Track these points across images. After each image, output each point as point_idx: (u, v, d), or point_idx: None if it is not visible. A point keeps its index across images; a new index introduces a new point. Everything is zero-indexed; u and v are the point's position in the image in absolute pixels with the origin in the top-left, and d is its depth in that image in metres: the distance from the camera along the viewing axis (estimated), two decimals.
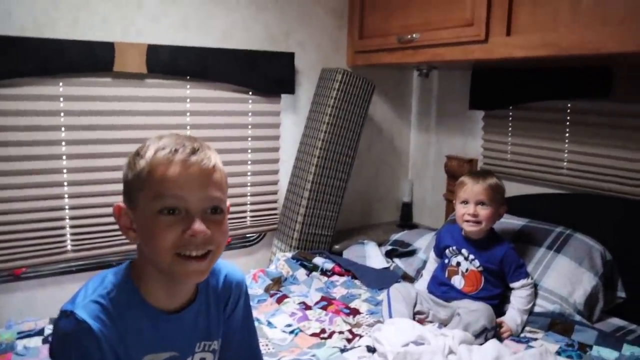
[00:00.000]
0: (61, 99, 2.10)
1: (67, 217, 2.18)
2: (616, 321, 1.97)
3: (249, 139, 2.58)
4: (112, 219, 2.25)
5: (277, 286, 2.19)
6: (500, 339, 1.77)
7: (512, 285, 1.96)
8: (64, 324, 0.97)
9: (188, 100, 2.39)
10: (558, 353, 1.70)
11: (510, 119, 2.56)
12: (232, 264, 1.23)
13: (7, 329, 1.76)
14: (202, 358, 1.13)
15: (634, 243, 2.05)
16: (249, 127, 2.57)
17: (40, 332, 1.75)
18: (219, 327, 1.16)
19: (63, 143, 2.14)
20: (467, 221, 1.94)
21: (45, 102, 2.07)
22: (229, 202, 1.10)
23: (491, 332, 1.79)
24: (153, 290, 1.04)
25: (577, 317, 1.90)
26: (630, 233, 2.07)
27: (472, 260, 1.97)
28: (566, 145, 2.33)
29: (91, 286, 1.02)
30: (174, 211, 0.97)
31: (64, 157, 2.14)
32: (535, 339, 1.80)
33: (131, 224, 1.01)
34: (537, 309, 1.95)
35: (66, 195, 2.17)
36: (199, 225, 0.97)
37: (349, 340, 1.76)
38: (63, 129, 2.13)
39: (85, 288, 1.02)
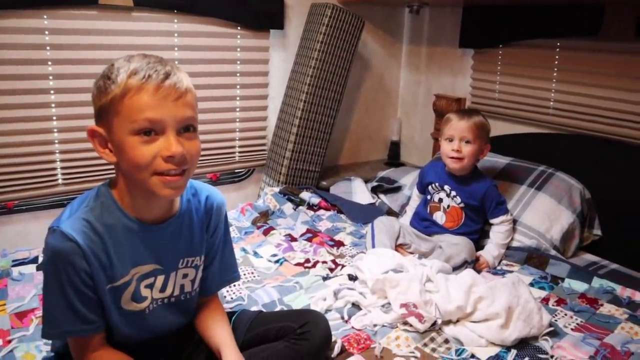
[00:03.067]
0: (46, 32, 2.07)
1: (57, 151, 2.20)
2: (590, 257, 2.05)
3: (238, 74, 2.57)
4: None
5: (264, 219, 2.25)
6: (478, 272, 1.84)
7: (491, 221, 2.02)
8: (51, 240, 1.02)
9: (176, 34, 2.36)
10: (531, 284, 1.78)
11: (500, 57, 2.56)
12: (212, 187, 1.29)
13: (2, 257, 1.81)
14: (185, 274, 1.19)
15: (614, 183, 2.10)
16: (238, 62, 2.55)
17: (34, 260, 1.80)
18: (202, 244, 1.22)
19: (50, 77, 2.12)
20: (451, 157, 1.97)
21: (30, 35, 2.04)
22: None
23: (470, 265, 1.86)
24: (133, 204, 1.08)
25: (553, 252, 1.97)
26: (611, 173, 2.12)
27: (454, 196, 2.02)
28: (553, 85, 2.34)
29: (75, 205, 1.08)
30: (150, 133, 0.99)
31: (52, 91, 2.13)
32: (511, 272, 1.88)
33: (106, 144, 1.04)
34: (515, 244, 2.02)
35: (55, 130, 2.18)
36: (176, 147, 1.00)
37: (331, 270, 1.82)
38: (50, 63, 2.10)
39: (71, 207, 1.08)
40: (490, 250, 1.96)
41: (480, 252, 1.96)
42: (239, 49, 2.54)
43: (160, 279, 1.15)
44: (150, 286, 1.14)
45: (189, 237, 1.18)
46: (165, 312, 1.19)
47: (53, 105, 2.15)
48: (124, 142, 1.00)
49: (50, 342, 1.27)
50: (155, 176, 1.01)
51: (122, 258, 1.08)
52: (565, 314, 1.60)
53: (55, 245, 1.01)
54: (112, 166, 1.07)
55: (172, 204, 1.15)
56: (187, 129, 1.04)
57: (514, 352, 1.40)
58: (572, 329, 1.52)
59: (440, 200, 2.05)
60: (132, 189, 1.07)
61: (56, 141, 2.19)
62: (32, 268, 1.76)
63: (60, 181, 2.24)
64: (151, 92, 0.99)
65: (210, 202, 1.24)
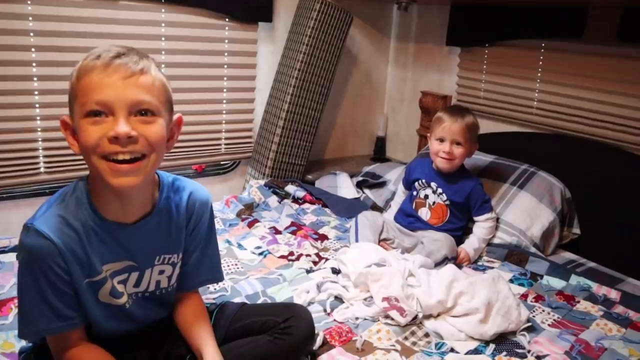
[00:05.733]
0: (30, 18, 2.04)
1: (40, 139, 2.17)
2: (569, 255, 2.08)
3: (225, 66, 2.56)
4: None
5: (249, 211, 2.25)
6: (459, 267, 1.86)
7: (476, 219, 2.05)
8: (25, 237, 1.00)
9: (163, 24, 2.34)
10: (511, 280, 1.81)
11: (486, 56, 2.58)
12: (198, 184, 1.25)
13: None
14: (161, 270, 1.18)
15: (593, 183, 2.14)
16: (225, 54, 2.54)
17: (14, 249, 1.78)
18: (179, 241, 1.19)
19: (34, 64, 2.09)
20: (442, 158, 1.98)
21: (14, 20, 2.01)
22: (179, 114, 1.11)
23: (451, 261, 1.88)
24: (105, 203, 1.06)
25: (533, 250, 2.00)
26: (591, 173, 2.16)
27: (440, 194, 2.04)
28: (537, 85, 2.37)
29: (52, 200, 1.06)
30: (99, 114, 0.96)
31: (35, 78, 2.10)
32: (492, 268, 1.91)
33: (75, 135, 1.02)
34: (496, 241, 2.06)
35: (38, 117, 2.15)
36: (121, 127, 0.95)
37: (315, 263, 1.84)
38: (33, 49, 2.08)
39: (48, 202, 1.05)
40: (472, 244, 1.98)
41: (461, 246, 1.98)
42: (226, 41, 2.53)
43: (134, 275, 1.13)
44: (124, 282, 1.12)
45: (167, 234, 1.16)
46: (144, 305, 1.18)
47: (36, 92, 2.12)
48: (78, 127, 0.98)
49: None
50: (105, 161, 0.97)
51: (95, 254, 1.06)
52: (543, 310, 1.63)
53: (30, 243, 0.99)
54: (67, 142, 1.04)
55: (146, 201, 1.12)
56: (142, 112, 0.99)
57: (492, 346, 1.43)
58: (549, 325, 1.55)
59: (426, 196, 2.07)
60: (99, 183, 1.02)
61: (39, 129, 2.16)
62: (12, 257, 1.74)
63: (42, 170, 2.21)
64: (99, 70, 0.96)
65: (193, 199, 1.20)
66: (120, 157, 0.97)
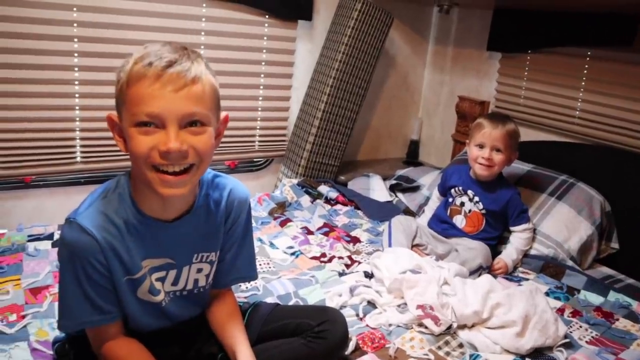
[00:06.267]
0: (74, 8, 2.07)
1: (78, 128, 2.20)
2: (606, 270, 2.02)
3: (263, 63, 2.56)
4: None
5: (281, 210, 2.24)
6: (494, 276, 1.83)
7: (513, 229, 2.00)
8: (67, 232, 1.01)
9: (203, 19, 2.35)
10: (547, 294, 1.76)
11: (528, 63, 2.53)
12: (237, 181, 1.24)
13: (18, 232, 1.81)
14: (199, 268, 1.18)
15: (634, 196, 2.07)
16: (264, 51, 2.54)
17: (49, 237, 1.81)
18: (217, 239, 1.19)
19: (75, 54, 2.12)
20: (481, 164, 1.95)
21: (57, 10, 2.04)
22: (226, 113, 1.11)
23: (485, 270, 1.85)
24: (147, 200, 1.06)
25: (570, 263, 1.95)
26: (632, 186, 2.09)
27: (477, 202, 2.00)
28: (581, 94, 2.31)
29: (95, 195, 1.06)
30: (149, 124, 0.95)
31: (76, 68, 2.13)
32: (527, 279, 1.87)
33: (121, 134, 1.01)
34: (532, 252, 2.01)
35: (77, 107, 2.18)
36: (173, 143, 0.94)
37: (347, 266, 1.82)
38: (76, 40, 2.10)
39: (91, 196, 1.06)
40: (510, 254, 1.94)
41: (499, 257, 1.94)
42: (265, 38, 2.53)
43: (172, 273, 1.13)
44: (162, 279, 1.12)
45: (205, 232, 1.16)
46: (180, 303, 1.18)
47: (76, 82, 2.15)
48: (127, 133, 0.97)
49: None
50: (154, 172, 0.97)
51: (136, 250, 1.06)
52: (581, 326, 1.59)
53: (73, 238, 1.00)
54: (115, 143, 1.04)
55: (186, 200, 1.11)
56: (193, 123, 0.98)
57: None
58: (587, 342, 1.51)
59: (462, 204, 2.03)
60: (142, 182, 1.02)
61: (77, 119, 2.19)
62: (47, 244, 1.76)
63: (78, 159, 2.24)
64: (151, 81, 0.93)
65: (232, 197, 1.20)
66: (170, 169, 0.98)
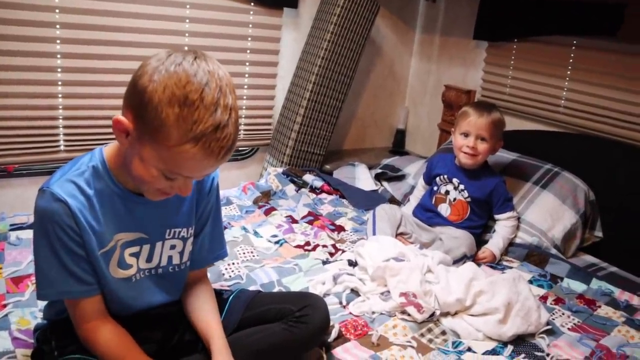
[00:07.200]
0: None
1: (61, 117, 2.17)
2: (589, 258, 2.04)
3: (248, 51, 2.54)
4: (105, 122, 2.22)
5: (265, 199, 2.23)
6: (479, 264, 1.83)
7: (497, 217, 2.01)
8: (41, 201, 1.01)
9: (188, 6, 2.32)
10: (530, 282, 1.77)
11: (514, 52, 2.53)
12: None
13: (0, 221, 1.79)
14: (172, 245, 1.18)
15: (618, 185, 2.09)
16: (249, 39, 2.52)
17: (31, 226, 1.78)
18: (189, 216, 1.19)
19: (57, 41, 2.08)
20: (465, 153, 1.95)
21: (40, 12, 2.01)
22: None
23: (469, 259, 1.85)
24: (122, 173, 1.06)
25: (553, 251, 1.96)
26: (617, 176, 2.10)
27: (462, 190, 2.00)
28: (566, 84, 2.32)
29: (67, 168, 1.06)
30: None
31: (59, 55, 2.10)
32: (511, 267, 1.87)
33: (127, 135, 0.97)
34: (516, 240, 2.02)
35: (60, 95, 2.15)
36: (188, 190, 1.02)
37: (331, 254, 1.81)
38: (58, 26, 2.07)
39: (62, 169, 1.06)
40: (497, 243, 1.95)
41: (486, 246, 1.95)
42: (250, 25, 2.50)
43: (146, 248, 1.14)
44: (136, 255, 1.12)
45: (177, 207, 1.16)
46: (154, 282, 1.17)
47: (59, 70, 2.12)
48: (144, 162, 0.96)
49: (43, 309, 1.26)
50: (151, 189, 1.03)
51: (108, 223, 1.06)
52: (563, 314, 1.60)
53: (45, 205, 1.00)
54: (114, 135, 0.99)
55: None
56: None
57: (510, 347, 1.40)
58: (569, 329, 1.52)
59: (447, 192, 2.03)
60: (121, 156, 1.04)
61: (60, 107, 2.16)
62: (29, 233, 1.73)
63: (62, 147, 2.22)
64: (202, 155, 0.92)
65: None
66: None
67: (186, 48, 2.29)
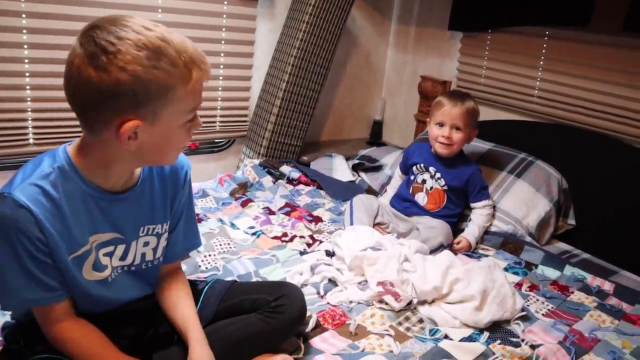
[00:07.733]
0: None
1: (29, 109, 2.11)
2: (563, 245, 2.08)
3: (223, 42, 2.50)
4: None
5: (242, 191, 2.21)
6: (455, 253, 1.84)
7: (473, 205, 2.03)
8: (2, 207, 0.94)
9: None
10: (505, 269, 1.79)
11: (488, 42, 2.55)
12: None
13: None
14: (146, 242, 1.15)
15: (591, 174, 2.12)
16: (223, 29, 2.48)
17: None
18: (164, 211, 1.17)
19: (24, 31, 2.03)
20: (441, 143, 1.96)
21: None
22: None
23: (447, 248, 1.86)
24: (93, 171, 1.02)
25: (528, 239, 1.99)
26: (590, 164, 2.14)
27: (438, 178, 2.01)
28: (539, 74, 2.34)
29: (29, 169, 1.00)
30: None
31: (26, 46, 2.04)
32: (487, 256, 1.89)
33: (135, 137, 0.95)
34: (492, 229, 2.04)
35: (28, 87, 2.09)
36: (200, 120, 1.05)
37: (309, 245, 1.81)
38: (24, 15, 2.01)
39: (23, 171, 1.00)
40: (472, 232, 1.96)
41: (461, 235, 1.96)
42: (225, 16, 2.47)
43: (121, 247, 1.10)
44: (110, 254, 1.09)
45: (151, 204, 1.13)
46: (127, 279, 1.15)
47: (26, 60, 2.06)
48: (171, 131, 0.99)
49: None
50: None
51: (80, 226, 1.02)
52: (537, 300, 1.62)
53: (6, 212, 0.94)
54: (123, 146, 0.96)
55: (132, 173, 1.09)
56: None
57: (486, 334, 1.42)
58: (543, 315, 1.54)
59: (424, 181, 2.04)
60: (98, 157, 1.00)
61: (28, 99, 2.10)
62: None
63: (31, 141, 2.16)
64: (203, 74, 0.98)
65: (175, 166, 1.18)
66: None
67: None
